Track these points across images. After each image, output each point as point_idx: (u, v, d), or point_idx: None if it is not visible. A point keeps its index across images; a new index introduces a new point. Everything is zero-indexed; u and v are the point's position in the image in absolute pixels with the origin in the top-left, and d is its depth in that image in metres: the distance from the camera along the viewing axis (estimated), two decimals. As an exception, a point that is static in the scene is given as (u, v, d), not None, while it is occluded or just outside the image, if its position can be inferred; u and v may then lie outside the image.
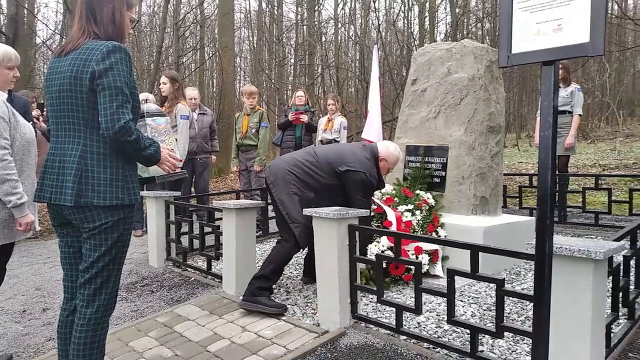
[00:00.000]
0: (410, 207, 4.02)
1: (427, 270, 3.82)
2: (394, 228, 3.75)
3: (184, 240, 4.68)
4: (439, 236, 3.99)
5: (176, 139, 5.07)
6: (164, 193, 4.77)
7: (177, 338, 3.03)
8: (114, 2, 2.05)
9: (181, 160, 2.33)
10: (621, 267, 2.56)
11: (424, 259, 3.70)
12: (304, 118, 6.62)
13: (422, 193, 4.25)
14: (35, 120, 5.87)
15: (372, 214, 3.85)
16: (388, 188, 4.35)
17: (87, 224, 1.98)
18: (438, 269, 3.86)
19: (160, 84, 5.57)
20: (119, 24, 2.07)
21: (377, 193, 4.24)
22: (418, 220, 3.97)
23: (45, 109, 2.18)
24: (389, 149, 3.72)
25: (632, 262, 2.74)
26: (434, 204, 4.22)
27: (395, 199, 4.14)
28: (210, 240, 4.37)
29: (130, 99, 1.98)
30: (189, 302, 3.66)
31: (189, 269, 4.52)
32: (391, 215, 3.83)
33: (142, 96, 6.20)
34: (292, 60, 20.84)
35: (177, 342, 2.97)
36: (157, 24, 16.57)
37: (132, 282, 4.28)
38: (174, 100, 5.36)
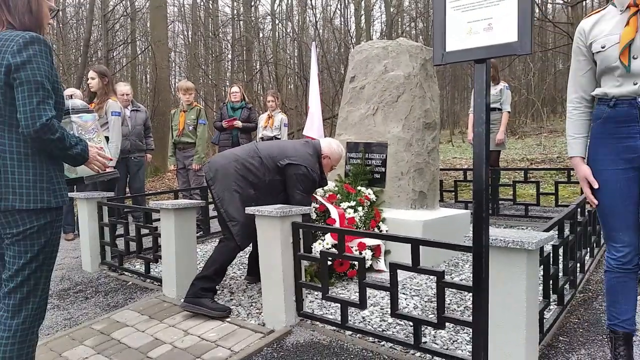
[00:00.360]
0: (353, 203, 4.06)
1: (371, 264, 3.89)
2: (337, 225, 3.78)
3: (120, 243, 4.48)
4: (381, 231, 4.07)
5: (107, 137, 4.86)
6: (96, 194, 4.54)
7: (116, 345, 2.89)
8: None
9: (111, 159, 2.23)
10: (551, 256, 2.72)
11: (367, 254, 3.76)
12: (238, 124, 6.54)
13: (363, 189, 4.31)
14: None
15: (315, 212, 3.86)
16: (330, 185, 4.38)
17: (9, 230, 1.84)
18: (381, 264, 3.93)
19: (88, 79, 5.29)
20: (35, 12, 1.92)
21: (319, 191, 4.26)
22: (360, 217, 4.03)
23: None
24: (332, 146, 3.72)
25: (560, 251, 2.92)
26: (375, 200, 4.30)
27: (338, 195, 4.17)
28: (147, 242, 4.21)
29: (53, 94, 1.84)
30: (127, 307, 3.50)
31: (126, 273, 4.34)
32: (334, 213, 3.85)
33: (68, 92, 5.88)
34: (230, 56, 20.52)
35: (115, 350, 2.83)
36: (83, 15, 15.75)
37: (65, 289, 4.04)
38: (103, 96, 5.11)
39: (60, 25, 14.28)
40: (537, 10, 12.38)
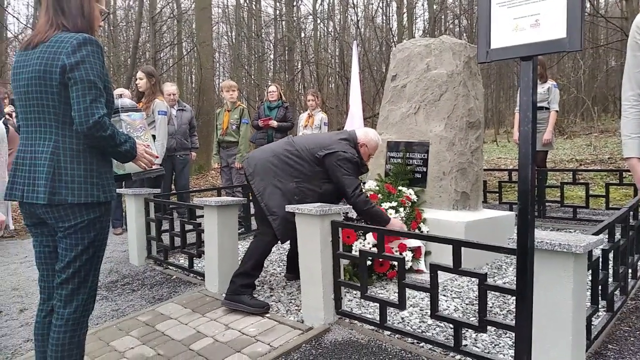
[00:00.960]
0: (394, 204, 4.03)
1: (411, 266, 3.85)
2: None
3: (165, 238, 4.62)
4: (422, 232, 4.02)
5: (154, 135, 5.02)
6: (143, 190, 4.70)
7: (160, 337, 2.99)
8: None
9: (157, 157, 2.27)
10: (600, 260, 2.61)
11: (408, 255, 3.72)
12: (273, 123, 6.60)
13: (404, 189, 4.27)
14: (7, 116, 5.72)
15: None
16: (371, 184, 4.37)
17: (62, 223, 1.92)
18: (422, 265, 3.89)
19: (137, 79, 5.48)
20: (87, 15, 1.99)
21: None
22: (402, 217, 3.99)
23: None
24: (369, 134, 3.67)
25: (610, 255, 2.80)
26: (416, 200, 4.25)
27: (379, 195, 4.15)
28: (191, 237, 4.32)
29: (104, 93, 1.92)
30: (171, 301, 3.61)
31: (171, 267, 4.47)
32: None
33: (118, 91, 6.10)
34: (272, 56, 20.73)
35: (159, 341, 2.93)
36: (132, 18, 16.30)
37: (113, 281, 4.21)
38: (151, 95, 5.28)
39: (111, 28, 14.82)
40: (587, 4, 11.90)
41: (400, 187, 4.30)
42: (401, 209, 4.04)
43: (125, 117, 2.24)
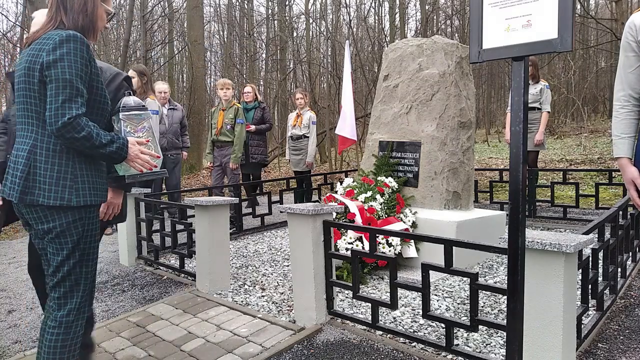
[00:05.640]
0: (369, 193, 4.09)
1: (400, 251, 3.86)
2: (358, 219, 3.79)
3: (156, 238, 4.59)
4: (406, 217, 4.06)
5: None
6: (133, 190, 4.66)
7: (150, 338, 2.97)
8: None
9: (159, 157, 2.15)
10: (590, 259, 2.63)
11: (396, 240, 3.77)
12: (252, 128, 6.82)
13: (382, 178, 4.33)
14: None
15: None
16: (348, 181, 4.44)
17: (40, 225, 1.87)
18: (412, 251, 3.91)
19: (128, 78, 5.43)
20: (90, 14, 1.94)
21: (339, 188, 4.33)
22: (381, 204, 4.03)
23: None
24: None
25: (600, 255, 2.82)
26: (396, 187, 4.31)
27: (355, 190, 4.22)
28: (182, 237, 4.30)
29: (84, 93, 1.83)
30: (161, 301, 3.59)
31: (161, 267, 4.44)
32: (353, 207, 3.87)
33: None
34: (264, 55, 20.68)
35: (150, 342, 2.90)
36: (123, 16, 16.17)
37: (103, 282, 4.17)
38: (142, 94, 5.26)
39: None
40: (578, 5, 11.99)
41: (379, 178, 4.35)
42: (378, 196, 4.08)
43: (123, 116, 2.11)
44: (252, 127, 6.81)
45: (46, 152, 1.85)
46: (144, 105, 2.21)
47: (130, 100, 2.17)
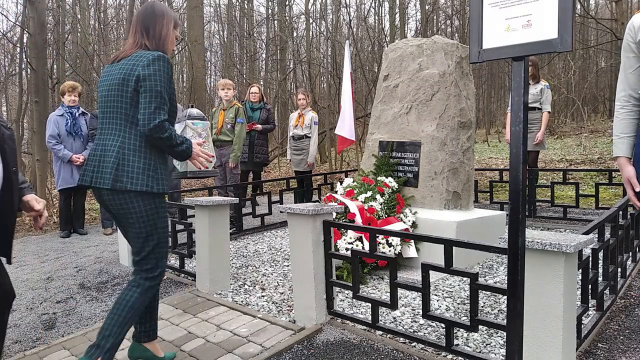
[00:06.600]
0: (369, 193, 4.09)
1: (400, 251, 3.86)
2: (358, 218, 3.80)
3: (156, 239, 4.58)
4: (406, 217, 4.07)
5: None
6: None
7: (150, 338, 2.96)
8: (164, 22, 2.42)
9: (212, 156, 2.61)
10: (590, 259, 2.63)
11: (396, 240, 3.76)
12: (258, 127, 6.86)
13: (382, 178, 4.33)
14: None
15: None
16: (349, 181, 4.44)
17: (122, 211, 2.28)
18: (412, 251, 3.91)
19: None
20: (164, 39, 2.41)
21: (339, 188, 4.34)
22: (381, 204, 4.04)
23: None
24: None
25: (600, 255, 2.82)
26: (396, 187, 4.31)
27: (355, 190, 4.21)
28: (182, 237, 4.30)
29: (167, 102, 2.28)
30: (161, 301, 3.58)
31: (161, 268, 4.43)
32: (353, 207, 3.88)
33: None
34: (264, 55, 20.68)
35: (149, 343, 2.90)
36: (124, 16, 16.17)
37: (103, 282, 4.17)
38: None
39: (102, 26, 14.70)
40: (578, 5, 11.99)
41: (379, 178, 4.35)
42: (378, 196, 4.08)
43: (189, 123, 2.67)
44: (259, 127, 6.80)
45: (133, 148, 2.28)
46: (203, 116, 2.80)
47: (194, 111, 2.77)
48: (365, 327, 2.87)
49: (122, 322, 2.28)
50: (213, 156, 2.62)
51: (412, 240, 3.95)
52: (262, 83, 19.80)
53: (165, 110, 2.26)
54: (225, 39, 22.46)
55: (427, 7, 15.41)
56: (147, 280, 2.38)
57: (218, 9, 22.67)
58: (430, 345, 2.56)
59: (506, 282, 1.84)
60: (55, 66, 13.15)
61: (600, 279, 2.83)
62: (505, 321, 1.94)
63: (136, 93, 2.25)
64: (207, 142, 2.71)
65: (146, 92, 2.22)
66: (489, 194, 6.41)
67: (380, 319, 2.83)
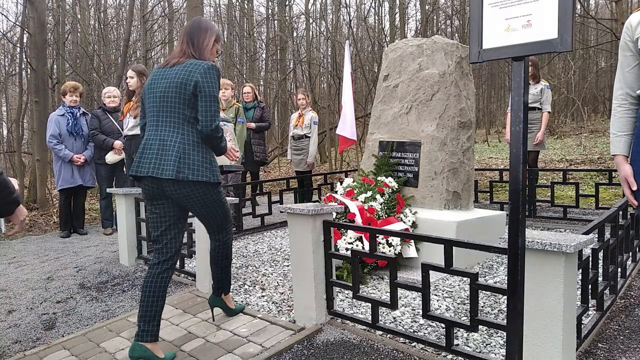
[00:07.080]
0: (369, 193, 4.09)
1: (400, 251, 3.86)
2: (358, 218, 3.80)
3: (156, 239, 4.58)
4: (406, 217, 4.07)
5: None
6: (134, 190, 4.66)
7: (150, 338, 2.96)
8: (207, 35, 2.73)
9: (237, 151, 3.02)
10: (590, 259, 2.63)
11: (396, 240, 3.76)
12: (251, 125, 6.87)
13: (382, 178, 4.32)
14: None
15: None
16: (349, 181, 4.44)
17: (185, 199, 2.59)
18: (412, 251, 3.90)
19: (127, 78, 5.44)
20: (205, 49, 2.72)
21: (339, 188, 4.34)
22: (381, 204, 4.04)
23: None
24: None
25: (600, 255, 2.82)
26: (396, 187, 4.32)
27: (355, 190, 4.21)
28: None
29: (218, 106, 2.60)
30: (161, 302, 3.58)
31: (161, 268, 4.43)
32: (353, 207, 3.88)
33: (110, 92, 6.05)
34: (264, 55, 20.68)
35: (149, 343, 2.90)
36: (123, 16, 16.15)
37: (103, 282, 4.17)
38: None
39: (102, 26, 14.69)
40: (578, 5, 11.99)
41: (379, 178, 4.35)
42: (378, 196, 4.08)
43: (223, 125, 2.91)
44: (253, 125, 6.83)
45: (192, 143, 2.57)
46: (228, 119, 3.33)
47: (222, 114, 3.09)
48: (365, 327, 2.87)
49: (227, 268, 3.00)
50: (238, 151, 3.02)
51: (412, 240, 3.95)
52: (262, 83, 19.84)
53: (219, 113, 2.59)
54: (225, 39, 22.45)
55: (427, 7, 15.41)
56: (222, 239, 2.94)
57: (218, 9, 22.67)
58: (430, 345, 2.56)
59: (506, 282, 1.84)
60: (55, 66, 13.15)
61: (600, 279, 2.83)
62: (505, 321, 1.94)
63: (194, 96, 2.54)
64: (232, 140, 3.12)
65: (205, 97, 2.52)
66: (489, 194, 6.41)
67: (380, 319, 2.82)
